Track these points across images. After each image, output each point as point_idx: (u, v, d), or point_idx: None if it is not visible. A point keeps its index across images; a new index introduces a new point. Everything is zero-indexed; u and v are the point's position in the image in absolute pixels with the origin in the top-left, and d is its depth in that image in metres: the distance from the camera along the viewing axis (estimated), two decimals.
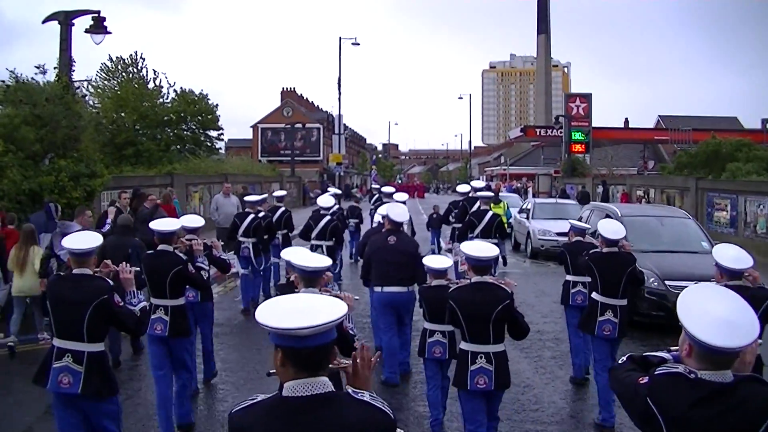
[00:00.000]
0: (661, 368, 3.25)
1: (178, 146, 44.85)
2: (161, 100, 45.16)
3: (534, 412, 8.91)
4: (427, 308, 7.73)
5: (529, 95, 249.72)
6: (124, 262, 6.40)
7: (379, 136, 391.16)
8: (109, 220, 13.48)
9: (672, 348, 3.45)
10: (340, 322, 2.97)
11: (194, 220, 9.81)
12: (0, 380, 10.12)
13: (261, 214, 14.50)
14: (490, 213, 14.45)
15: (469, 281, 6.69)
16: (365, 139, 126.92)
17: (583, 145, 48.11)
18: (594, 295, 8.64)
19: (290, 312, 2.79)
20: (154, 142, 42.13)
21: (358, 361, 3.14)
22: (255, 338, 11.79)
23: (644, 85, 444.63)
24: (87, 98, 43.61)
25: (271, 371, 2.94)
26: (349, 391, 2.93)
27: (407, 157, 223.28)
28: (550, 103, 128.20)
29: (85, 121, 16.64)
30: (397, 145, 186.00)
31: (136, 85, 43.69)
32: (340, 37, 51.93)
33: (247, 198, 15.70)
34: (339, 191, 21.30)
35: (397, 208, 10.24)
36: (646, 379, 3.22)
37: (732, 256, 6.26)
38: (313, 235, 14.05)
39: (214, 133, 48.22)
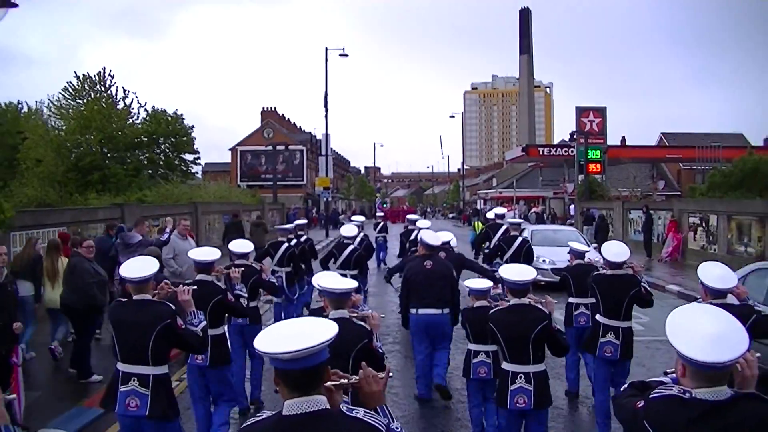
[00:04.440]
0: (656, 391, 3.27)
1: (150, 171, 40.73)
2: (131, 120, 41.42)
3: None
4: (470, 329, 8.01)
5: (511, 116, 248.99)
6: (181, 285, 6.64)
7: (360, 159, 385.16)
8: (168, 230, 13.60)
9: (668, 370, 3.59)
10: (368, 342, 4.03)
11: (243, 245, 9.99)
12: None
13: (294, 242, 14.33)
14: (520, 239, 14.83)
15: (507, 303, 6.91)
16: (349, 162, 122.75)
17: (598, 165, 43.11)
18: (597, 316, 8.62)
19: (280, 337, 2.98)
20: (122, 167, 37.99)
21: (363, 379, 3.33)
22: None
23: (632, 105, 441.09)
24: (49, 118, 40.13)
25: (276, 389, 3.07)
26: (344, 408, 3.04)
27: (390, 180, 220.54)
28: (534, 123, 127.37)
29: None
30: (379, 168, 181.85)
31: (104, 104, 39.68)
32: (326, 48, 47.02)
33: (278, 227, 15.51)
34: (363, 218, 19.93)
35: (431, 234, 10.54)
36: (642, 403, 3.27)
37: (717, 275, 6.26)
38: (338, 264, 14.10)
39: (189, 157, 44.72)
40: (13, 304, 9.58)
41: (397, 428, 3.34)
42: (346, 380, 3.29)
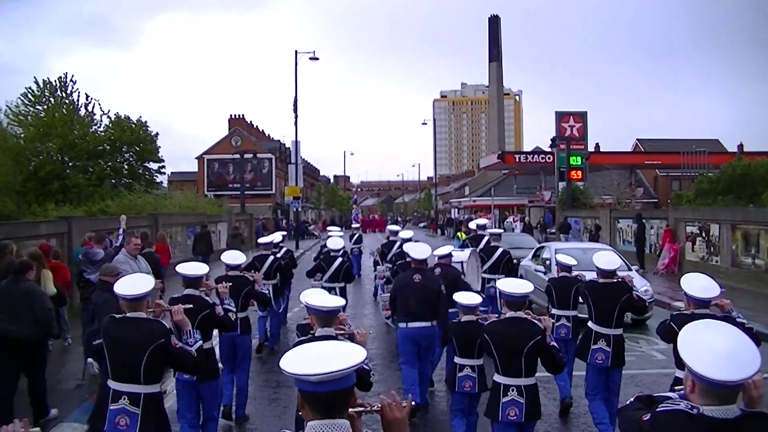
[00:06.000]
0: (663, 405, 3.24)
1: (114, 180, 38.82)
2: (94, 128, 39.52)
3: None
4: (457, 343, 8.08)
5: (481, 124, 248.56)
6: (179, 304, 6.76)
7: (329, 168, 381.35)
8: (121, 230, 13.66)
9: (677, 387, 3.68)
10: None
11: (236, 257, 10.32)
12: None
13: (279, 255, 14.77)
14: (500, 250, 14.73)
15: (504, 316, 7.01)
16: (319, 171, 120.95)
17: (579, 172, 41.72)
18: (589, 323, 8.82)
19: (308, 359, 2.92)
20: (85, 176, 36.18)
21: (386, 406, 3.21)
22: (268, 373, 12.32)
23: (603, 111, 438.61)
24: (7, 126, 38.23)
25: (300, 412, 3.07)
26: None
27: (360, 189, 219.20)
28: (503, 130, 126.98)
29: None
30: (348, 177, 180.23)
31: (64, 111, 37.87)
32: (296, 51, 45.26)
33: (261, 240, 15.60)
34: (339, 229, 21.03)
35: (419, 248, 10.49)
36: (648, 416, 3.24)
37: (700, 285, 6.45)
38: (326, 277, 14.07)
39: (154, 166, 42.74)
40: None
41: None
42: (368, 407, 3.22)
